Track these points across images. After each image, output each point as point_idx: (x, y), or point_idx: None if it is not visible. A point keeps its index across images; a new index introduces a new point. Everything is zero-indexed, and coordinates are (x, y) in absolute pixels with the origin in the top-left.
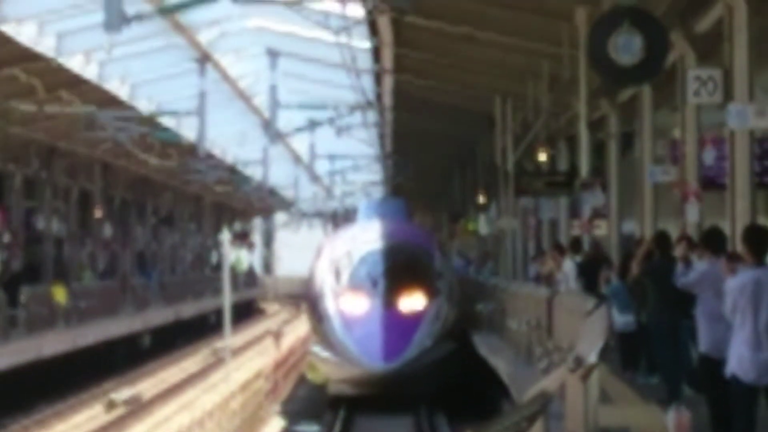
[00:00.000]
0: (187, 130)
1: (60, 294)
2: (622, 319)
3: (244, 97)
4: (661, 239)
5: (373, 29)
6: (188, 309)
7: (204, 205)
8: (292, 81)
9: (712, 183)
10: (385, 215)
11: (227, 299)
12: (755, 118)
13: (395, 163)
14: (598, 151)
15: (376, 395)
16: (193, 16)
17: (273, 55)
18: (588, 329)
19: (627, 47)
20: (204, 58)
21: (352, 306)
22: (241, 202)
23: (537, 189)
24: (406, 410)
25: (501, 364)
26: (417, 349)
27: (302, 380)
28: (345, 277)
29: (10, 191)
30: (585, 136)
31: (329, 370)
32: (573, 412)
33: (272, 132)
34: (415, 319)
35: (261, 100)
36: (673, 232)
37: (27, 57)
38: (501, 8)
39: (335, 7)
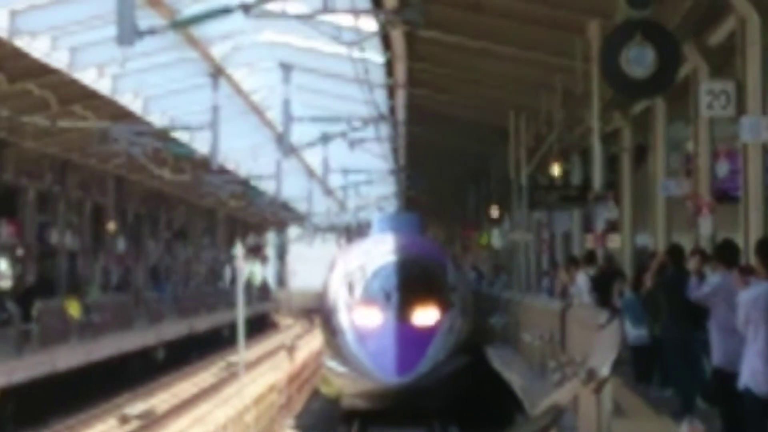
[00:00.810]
0: (201, 144)
1: (74, 308)
2: (636, 332)
3: (258, 111)
4: (674, 252)
5: (386, 43)
6: (202, 323)
7: (217, 219)
8: (306, 95)
9: (725, 196)
10: (398, 229)
11: (241, 313)
12: None
13: (408, 177)
14: (612, 164)
15: (389, 409)
16: (206, 30)
17: (286, 68)
18: (601, 342)
19: (639, 60)
20: (217, 72)
21: (365, 319)
22: (255, 216)
23: (550, 202)
24: (420, 424)
25: (514, 377)
26: (430, 363)
27: (316, 394)
28: (358, 290)
29: (23, 205)
30: (598, 149)
31: (342, 383)
32: (586, 424)
33: (285, 146)
34: (429, 332)
35: (274, 114)
36: (687, 245)
37: (40, 71)
38: (514, 22)
39: (348, 21)
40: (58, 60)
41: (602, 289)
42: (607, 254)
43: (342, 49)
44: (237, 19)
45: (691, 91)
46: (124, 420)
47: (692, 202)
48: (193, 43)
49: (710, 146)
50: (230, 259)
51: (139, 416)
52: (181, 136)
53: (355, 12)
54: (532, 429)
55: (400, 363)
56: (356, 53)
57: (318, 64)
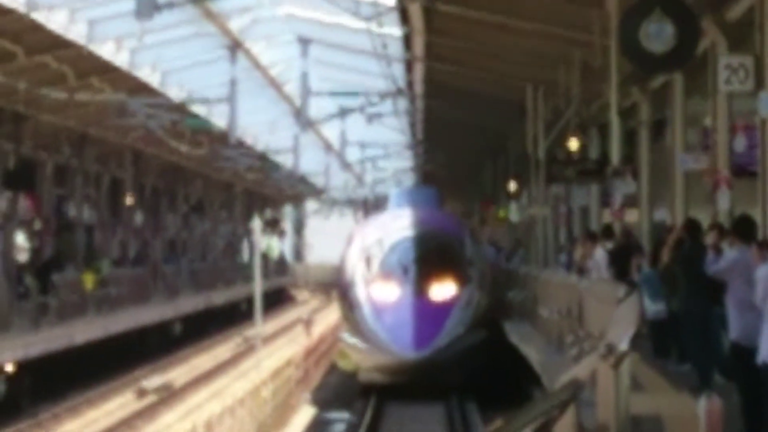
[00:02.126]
0: (218, 118)
1: (90, 281)
2: (654, 307)
3: (275, 85)
4: (692, 227)
5: (404, 17)
6: (219, 296)
7: (235, 193)
8: (323, 69)
9: (743, 171)
10: (416, 203)
11: (258, 287)
12: None
13: (426, 151)
14: (630, 138)
15: (406, 383)
16: (224, 4)
17: (304, 42)
18: (619, 317)
19: (658, 35)
20: (235, 46)
21: (383, 293)
22: (272, 190)
23: (568, 177)
24: (437, 398)
25: (532, 352)
26: (448, 337)
27: (333, 368)
28: (376, 264)
29: (41, 179)
30: (616, 123)
31: (360, 357)
32: (604, 399)
33: (303, 119)
34: (446, 306)
35: (292, 88)
36: (704, 220)
37: (58, 44)
38: None
39: None
40: (76, 33)
41: (620, 263)
42: (625, 228)
43: (360, 23)
44: None
45: (709, 65)
46: (142, 393)
47: (710, 176)
48: (211, 16)
49: (728, 121)
50: (247, 232)
51: (157, 389)
52: (198, 109)
53: None
54: (551, 404)
55: (417, 337)
56: (374, 27)
57: (336, 38)
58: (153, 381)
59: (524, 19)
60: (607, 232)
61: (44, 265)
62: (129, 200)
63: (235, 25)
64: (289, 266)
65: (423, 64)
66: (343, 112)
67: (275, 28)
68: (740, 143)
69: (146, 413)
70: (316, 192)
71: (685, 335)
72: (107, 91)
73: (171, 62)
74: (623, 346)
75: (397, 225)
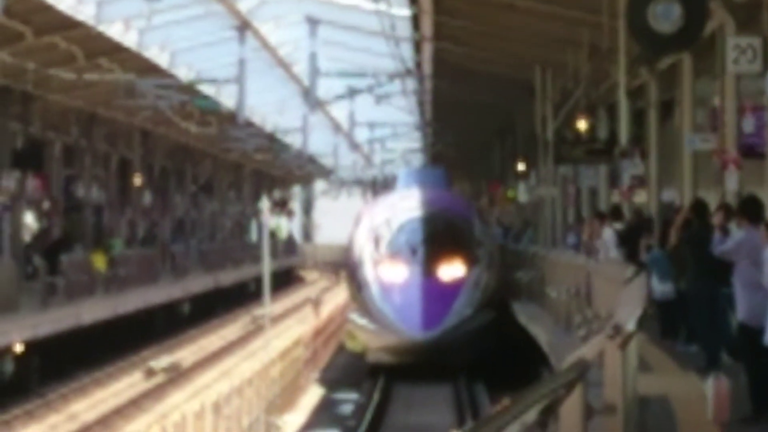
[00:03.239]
0: (227, 98)
1: (99, 261)
2: (662, 288)
3: (284, 65)
4: (699, 207)
5: None
6: (228, 277)
7: (243, 173)
8: (332, 49)
9: (752, 151)
10: (424, 183)
11: (266, 267)
12: None
13: (435, 131)
14: (638, 119)
15: (415, 364)
16: None
17: (313, 22)
18: (627, 297)
19: (666, 15)
20: (244, 26)
21: (391, 274)
22: (281, 170)
23: (576, 157)
24: (445, 379)
25: (540, 332)
26: (456, 318)
27: (341, 348)
28: (384, 245)
29: (50, 159)
30: (624, 104)
31: (368, 338)
32: (611, 379)
33: (312, 100)
34: (455, 287)
35: (300, 68)
36: (713, 201)
37: (67, 24)
38: None
39: None
40: (85, 13)
41: (629, 243)
42: (635, 209)
43: (368, 4)
44: None
45: (717, 46)
46: (150, 373)
47: (718, 157)
48: None
49: (736, 102)
50: (256, 213)
51: (165, 369)
52: (207, 89)
53: None
54: (558, 383)
55: (425, 318)
56: (383, 7)
57: (344, 19)
58: (161, 361)
59: None
60: (616, 212)
61: (53, 245)
62: (137, 180)
63: (243, 5)
64: (298, 246)
65: (431, 45)
66: (352, 93)
67: (284, 8)
68: (748, 124)
69: (154, 393)
70: (325, 172)
71: (693, 316)
72: (116, 71)
73: (180, 42)
74: (631, 326)
75: (406, 205)
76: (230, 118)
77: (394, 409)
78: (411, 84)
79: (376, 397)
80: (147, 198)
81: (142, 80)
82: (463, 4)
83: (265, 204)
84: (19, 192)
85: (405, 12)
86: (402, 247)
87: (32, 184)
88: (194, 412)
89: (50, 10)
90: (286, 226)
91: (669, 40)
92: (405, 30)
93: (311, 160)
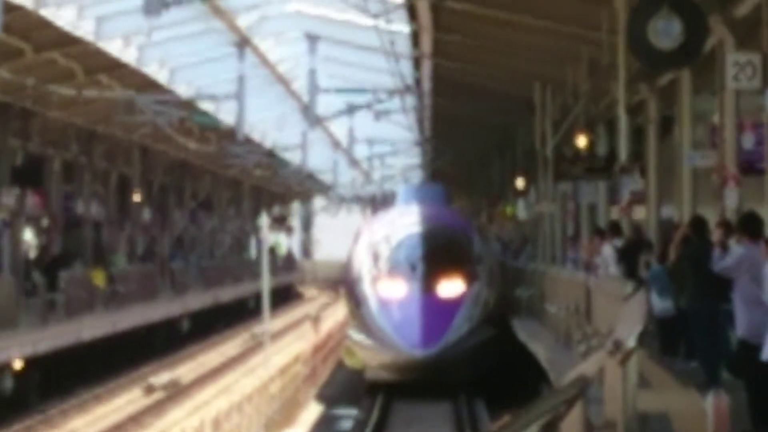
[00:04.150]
0: (226, 115)
1: (99, 278)
2: (662, 304)
3: (283, 82)
4: (697, 224)
5: (412, 13)
6: (227, 293)
7: (243, 190)
8: (331, 65)
9: (751, 168)
10: (424, 200)
11: (266, 283)
12: None
13: (434, 148)
14: (637, 135)
15: (414, 381)
16: (232, 1)
17: (312, 39)
18: (627, 314)
19: (666, 32)
20: (243, 43)
21: (390, 290)
22: (280, 187)
23: (576, 173)
24: (445, 396)
25: (540, 348)
26: (456, 335)
27: (340, 365)
28: (383, 261)
29: (49, 175)
30: (624, 120)
31: (367, 355)
32: (611, 396)
33: (311, 116)
34: (454, 304)
35: (300, 85)
36: (712, 217)
37: (66, 41)
38: None
39: None
40: (84, 30)
41: (629, 260)
42: (634, 225)
43: (368, 20)
44: None
45: (717, 62)
46: (150, 390)
47: (718, 174)
48: (219, 13)
49: (736, 118)
50: (255, 229)
51: (164, 386)
52: (206, 106)
53: None
54: (558, 400)
55: (424, 335)
56: (382, 24)
57: (344, 35)
58: (161, 377)
59: (532, 16)
60: (615, 229)
61: (52, 262)
62: (137, 197)
63: (243, 21)
64: (297, 263)
65: (431, 61)
66: (351, 109)
67: (283, 24)
68: (748, 140)
69: (154, 410)
70: (324, 189)
71: (693, 332)
72: (115, 87)
73: (179, 59)
74: (631, 342)
75: (405, 221)
76: (229, 135)
77: (393, 426)
78: (410, 100)
79: (375, 413)
80: (146, 214)
81: (141, 97)
82: (462, 21)
83: (264, 220)
84: (18, 208)
85: (404, 28)
86: (401, 264)
87: (32, 200)
88: (194, 429)
89: (50, 26)
90: (286, 242)
91: (669, 56)
92: (404, 46)
93: (310, 176)
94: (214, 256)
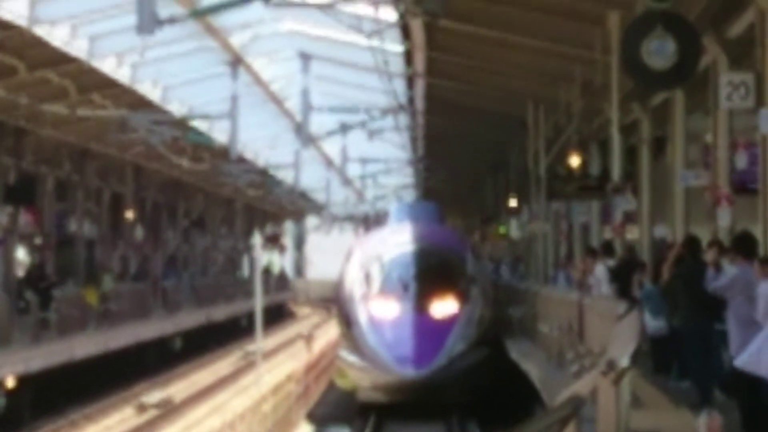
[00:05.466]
0: (219, 133)
1: (92, 296)
2: (655, 324)
3: (276, 101)
4: (691, 243)
5: (406, 33)
6: (220, 312)
7: (235, 208)
8: (325, 84)
9: (744, 187)
10: (416, 218)
11: (259, 302)
12: None
13: (427, 167)
14: (630, 155)
15: (406, 402)
16: (226, 19)
17: (305, 58)
18: (620, 333)
19: (660, 51)
20: (236, 61)
21: (382, 311)
22: (273, 206)
23: (569, 193)
24: (438, 417)
25: (532, 368)
26: (449, 355)
27: (333, 385)
28: (375, 281)
29: (42, 194)
30: (617, 140)
31: (358, 376)
32: (605, 415)
33: (304, 135)
34: (447, 324)
35: (293, 104)
36: (705, 237)
37: (59, 59)
38: (533, 12)
39: (368, 11)
40: (78, 48)
41: (622, 279)
42: (627, 245)
43: (361, 39)
44: (256, 9)
45: (710, 82)
46: (142, 409)
47: (711, 193)
48: (213, 32)
49: (729, 138)
50: (248, 248)
51: (157, 405)
52: (199, 125)
53: (375, 1)
54: (551, 420)
55: (417, 355)
56: (375, 43)
57: (337, 54)
58: (153, 396)
59: (525, 35)
60: (608, 248)
61: (45, 280)
62: (130, 215)
63: (236, 40)
64: (290, 282)
65: (424, 80)
66: (344, 128)
67: (276, 43)
68: (741, 160)
69: (146, 428)
70: (317, 208)
71: (686, 352)
72: (108, 106)
73: (172, 77)
74: (624, 362)
75: (397, 240)
76: (223, 154)
77: None
78: (404, 119)
79: None
80: (139, 233)
81: (134, 115)
82: (455, 40)
83: (257, 239)
84: (11, 227)
85: (398, 48)
86: (393, 283)
87: (24, 218)
88: None
89: (43, 44)
90: (278, 261)
91: (663, 76)
92: (398, 66)
93: (303, 195)
94: (206, 275)
